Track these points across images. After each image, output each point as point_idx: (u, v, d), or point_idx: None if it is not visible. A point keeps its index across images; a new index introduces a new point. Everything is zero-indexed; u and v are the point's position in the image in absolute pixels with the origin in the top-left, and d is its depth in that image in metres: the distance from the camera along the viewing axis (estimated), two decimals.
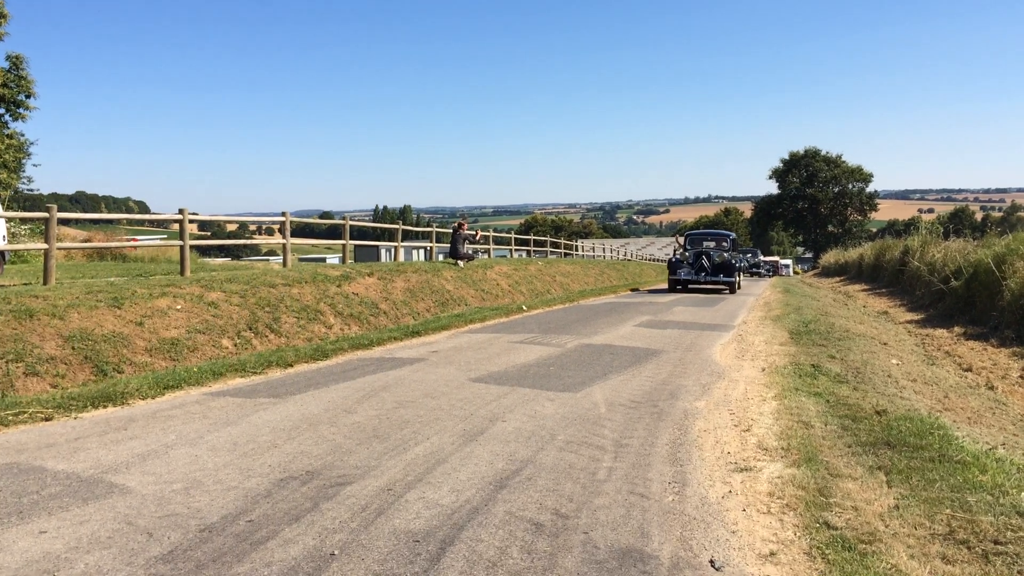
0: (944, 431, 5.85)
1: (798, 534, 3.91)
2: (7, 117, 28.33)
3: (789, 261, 75.13)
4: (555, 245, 41.25)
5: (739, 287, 26.06)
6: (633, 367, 9.11)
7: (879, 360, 10.73)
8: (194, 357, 9.08)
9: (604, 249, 58.62)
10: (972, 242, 21.74)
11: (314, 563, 3.39)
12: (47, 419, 6.00)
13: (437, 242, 24.25)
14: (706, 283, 25.00)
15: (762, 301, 21.35)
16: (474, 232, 23.40)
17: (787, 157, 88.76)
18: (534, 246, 36.68)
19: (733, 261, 25.06)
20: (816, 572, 3.47)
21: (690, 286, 25.73)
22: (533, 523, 3.94)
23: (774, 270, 59.36)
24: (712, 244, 26.93)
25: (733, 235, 28.14)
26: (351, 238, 19.29)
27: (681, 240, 28.75)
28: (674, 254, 27.41)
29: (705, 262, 24.84)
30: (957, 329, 15.68)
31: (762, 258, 55.31)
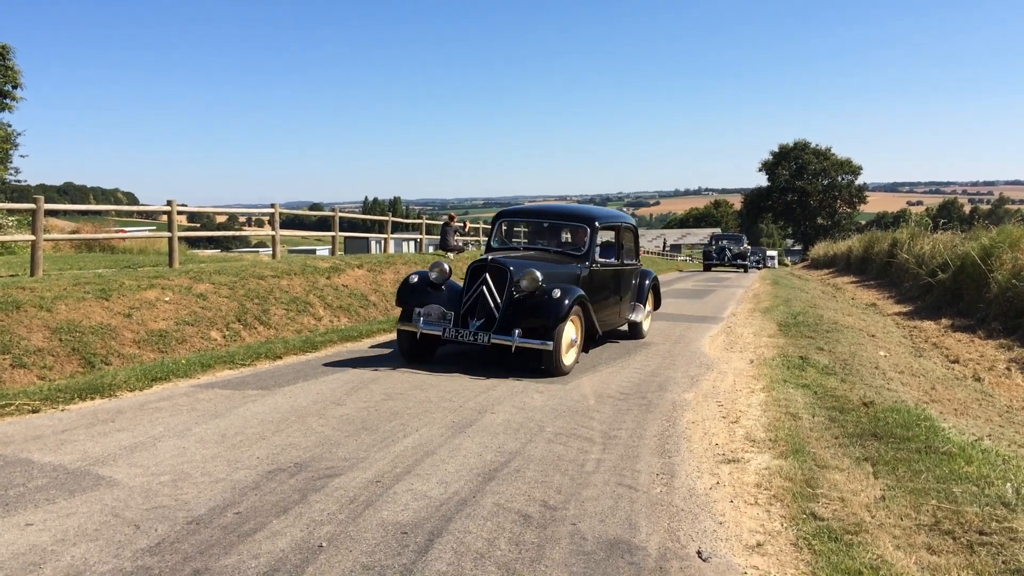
0: (931, 422, 5.89)
1: (785, 525, 3.94)
2: None
3: (774, 253, 73.87)
4: None
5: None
6: (622, 359, 9.12)
7: (867, 352, 10.78)
8: (182, 349, 9.05)
9: None
10: (960, 235, 21.85)
11: (302, 555, 3.39)
12: (34, 411, 5.96)
13: (427, 234, 24.20)
14: None
15: (751, 293, 21.41)
16: (463, 224, 23.38)
17: (777, 150, 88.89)
18: None
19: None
20: (803, 563, 3.50)
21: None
22: (521, 515, 3.94)
23: (762, 261, 52.26)
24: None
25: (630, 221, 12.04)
26: (341, 230, 19.25)
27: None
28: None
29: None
30: (944, 321, 15.78)
31: (748, 246, 43.47)
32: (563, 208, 10.89)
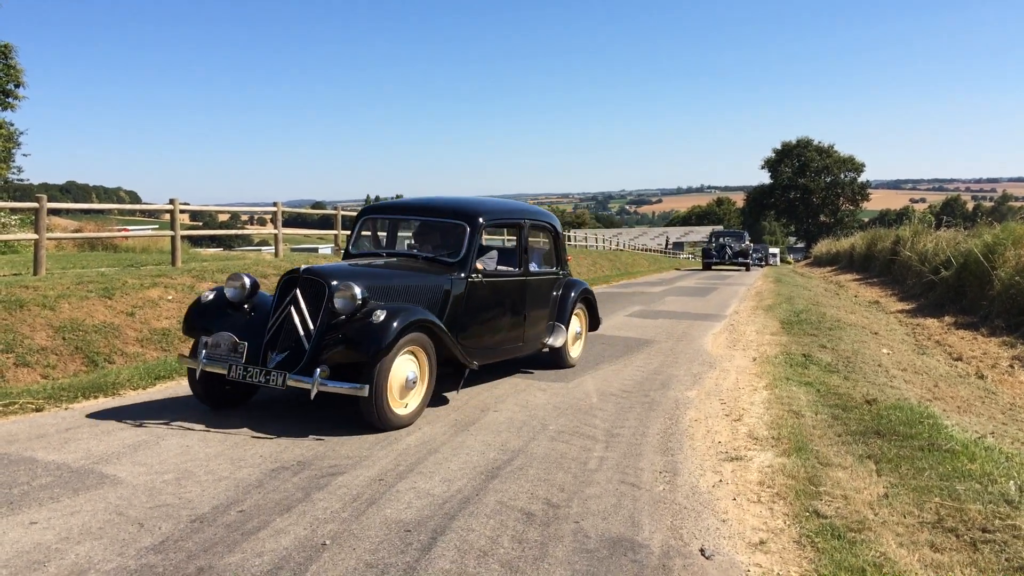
0: (934, 420, 5.89)
1: (788, 523, 3.94)
2: None
3: (776, 250, 73.40)
4: None
5: None
6: (625, 357, 9.12)
7: (870, 349, 10.78)
8: (185, 347, 9.05)
9: (596, 239, 58.61)
10: (963, 232, 21.78)
11: (305, 553, 3.39)
12: (38, 410, 5.97)
13: None
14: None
15: (754, 291, 21.40)
16: None
17: (779, 147, 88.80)
18: None
19: None
20: (806, 560, 3.50)
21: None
22: (524, 513, 3.95)
23: (764, 259, 52.21)
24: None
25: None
26: (343, 228, 19.25)
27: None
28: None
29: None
30: (947, 318, 15.75)
31: (750, 243, 41.94)
32: (439, 202, 7.87)
